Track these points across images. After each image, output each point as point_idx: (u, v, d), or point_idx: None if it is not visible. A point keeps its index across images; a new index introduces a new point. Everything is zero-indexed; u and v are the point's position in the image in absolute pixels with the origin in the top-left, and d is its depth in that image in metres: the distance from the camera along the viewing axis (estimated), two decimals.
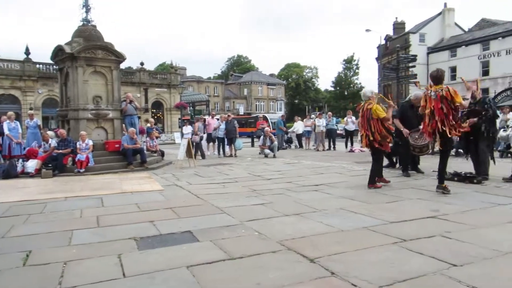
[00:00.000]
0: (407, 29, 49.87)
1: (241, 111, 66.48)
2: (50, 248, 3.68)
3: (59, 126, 12.21)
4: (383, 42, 50.30)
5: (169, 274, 2.93)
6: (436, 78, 6.01)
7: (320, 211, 4.93)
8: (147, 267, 3.09)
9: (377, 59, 52.51)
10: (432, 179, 7.48)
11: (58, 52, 11.91)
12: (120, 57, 12.04)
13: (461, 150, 10.83)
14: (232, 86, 75.37)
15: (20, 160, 10.48)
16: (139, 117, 15.81)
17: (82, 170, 10.00)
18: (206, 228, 4.25)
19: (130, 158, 10.89)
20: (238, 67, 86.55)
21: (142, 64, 41.14)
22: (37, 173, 9.76)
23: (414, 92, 8.99)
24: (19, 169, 10.05)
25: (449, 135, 5.80)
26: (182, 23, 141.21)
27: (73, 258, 3.37)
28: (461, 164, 8.46)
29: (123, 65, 12.84)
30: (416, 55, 22.22)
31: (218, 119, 16.68)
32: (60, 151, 10.28)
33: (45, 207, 5.73)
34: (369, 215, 4.62)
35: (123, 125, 12.59)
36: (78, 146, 10.44)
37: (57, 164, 10.00)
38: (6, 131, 11.09)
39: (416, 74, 21.73)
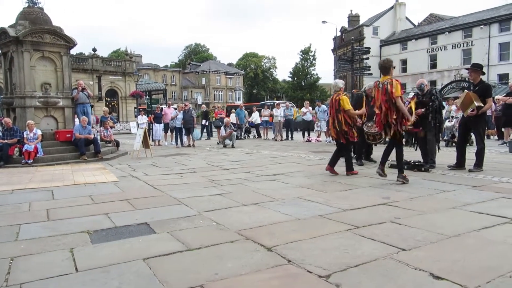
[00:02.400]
0: (361, 22, 51.32)
1: (199, 101, 65.65)
2: None
3: (3, 115, 11.48)
4: (338, 34, 51.41)
5: (124, 267, 2.86)
6: (382, 68, 6.04)
7: (278, 200, 5.01)
8: (101, 261, 3.00)
9: (333, 50, 53.66)
10: None
11: (1, 36, 11.13)
12: (70, 42, 11.47)
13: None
14: (190, 75, 74.17)
15: None
16: (92, 106, 15.22)
17: (30, 161, 9.50)
18: (164, 219, 4.19)
19: (82, 149, 10.47)
20: (196, 56, 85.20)
21: (94, 50, 39.44)
22: None
23: (368, 83, 9.30)
24: None
25: (396, 127, 5.83)
26: (137, 9, 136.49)
27: (21, 253, 3.21)
28: (410, 153, 8.89)
29: (74, 51, 12.29)
30: (369, 48, 22.90)
31: (175, 109, 16.40)
32: (6, 141, 9.70)
33: None
34: (324, 203, 4.75)
35: (75, 114, 12.06)
36: (25, 136, 9.90)
37: (2, 155, 9.43)
38: None
39: (369, 66, 22.42)
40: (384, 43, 47.73)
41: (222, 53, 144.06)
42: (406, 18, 50.16)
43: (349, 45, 26.57)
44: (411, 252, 3.01)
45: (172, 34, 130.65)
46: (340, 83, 7.21)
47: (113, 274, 2.75)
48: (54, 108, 11.19)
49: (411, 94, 10.30)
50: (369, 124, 8.48)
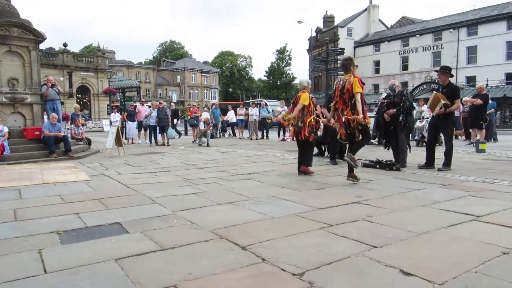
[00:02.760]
0: (336, 23, 52.07)
1: (174, 99, 64.95)
2: None
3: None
4: (314, 34, 51.98)
5: (95, 268, 2.80)
6: (342, 66, 6.11)
7: (253, 199, 5.02)
8: (71, 262, 2.92)
9: (308, 50, 54.22)
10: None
11: None
12: (39, 37, 11.11)
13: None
14: (165, 73, 73.26)
15: None
16: (62, 103, 14.78)
17: None
18: (137, 219, 4.12)
19: (52, 147, 10.16)
20: (171, 53, 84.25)
21: (65, 45, 38.31)
22: None
23: None
24: None
25: (351, 125, 5.88)
26: (110, 4, 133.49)
27: None
28: (382, 153, 9.10)
29: (43, 46, 11.92)
30: (343, 48, 23.33)
31: (149, 107, 16.16)
32: None
33: None
34: (299, 202, 4.80)
35: (44, 110, 11.69)
36: None
37: None
38: None
39: None
40: (358, 44, 48.63)
41: (197, 51, 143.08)
42: (380, 20, 51.27)
43: (324, 45, 26.92)
44: (382, 249, 3.08)
45: (147, 31, 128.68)
46: (305, 81, 7.27)
47: (83, 275, 2.69)
48: (22, 104, 10.81)
49: (384, 95, 10.56)
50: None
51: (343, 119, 5.97)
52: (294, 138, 7.35)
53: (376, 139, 12.88)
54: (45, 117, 11.64)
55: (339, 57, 22.73)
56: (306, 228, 3.70)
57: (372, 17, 49.82)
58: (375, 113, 13.93)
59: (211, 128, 15.45)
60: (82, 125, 13.84)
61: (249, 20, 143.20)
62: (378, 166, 7.56)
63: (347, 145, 8.11)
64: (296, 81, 66.30)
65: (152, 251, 3.15)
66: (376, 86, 45.62)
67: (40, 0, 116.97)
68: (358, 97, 5.73)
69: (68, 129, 13.06)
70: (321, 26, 53.49)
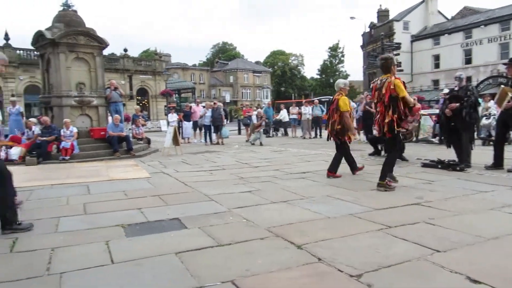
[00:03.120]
0: (391, 17, 50.07)
1: (227, 99, 66.14)
2: (37, 235, 3.66)
3: (42, 114, 11.97)
4: (367, 30, 50.45)
5: (157, 261, 2.94)
6: (382, 66, 5.48)
7: (307, 198, 4.99)
8: (135, 254, 3.09)
9: (362, 47, 52.73)
10: (416, 166, 7.63)
11: (38, 38, 11.59)
12: (102, 43, 11.81)
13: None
14: (218, 74, 74.78)
15: (4, 147, 10.27)
16: (124, 104, 15.61)
17: (67, 158, 9.88)
18: (194, 215, 4.26)
19: (115, 146, 10.78)
20: (224, 54, 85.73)
21: (125, 50, 40.40)
22: (21, 161, 9.62)
23: None
24: (2, 156, 9.85)
25: (390, 130, 5.31)
26: (165, 10, 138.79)
27: (61, 245, 3.35)
28: (444, 152, 8.63)
29: (106, 52, 12.63)
30: (400, 43, 22.46)
31: (204, 107, 16.60)
32: (44, 138, 10.12)
33: (31, 194, 5.67)
34: (354, 202, 4.69)
35: (108, 112, 12.43)
36: (62, 133, 10.29)
37: (41, 152, 9.85)
38: None
39: (400, 62, 22.01)
40: (415, 38, 46.39)
41: (249, 51, 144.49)
42: (439, 11, 48.52)
43: (379, 41, 26.09)
44: (447, 254, 2.93)
45: (200, 33, 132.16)
46: (341, 83, 6.95)
47: (146, 266, 2.83)
48: (89, 106, 11.57)
49: (445, 90, 10.02)
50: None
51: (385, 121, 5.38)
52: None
53: (437, 137, 12.28)
54: (109, 118, 12.37)
55: (394, 52, 21.91)
56: (363, 229, 3.61)
57: (431, 9, 47.27)
58: (435, 110, 13.28)
59: (264, 122, 15.45)
60: (142, 125, 14.53)
61: (300, 19, 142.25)
62: (439, 166, 7.18)
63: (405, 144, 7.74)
64: (349, 79, 64.82)
65: (210, 246, 3.25)
66: (435, 82, 43.30)
67: (101, 9, 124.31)
68: (408, 99, 5.28)
69: (129, 129, 13.78)
70: (375, 21, 51.74)
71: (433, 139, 12.80)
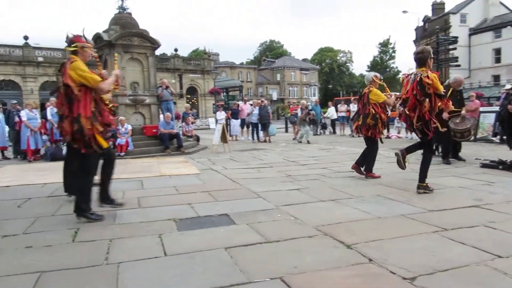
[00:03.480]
0: (446, 10, 47.49)
1: (274, 97, 66.20)
2: (96, 226, 3.88)
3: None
4: (421, 24, 48.29)
5: (208, 255, 3.01)
6: (418, 59, 5.05)
7: (356, 198, 4.89)
8: (187, 247, 3.19)
9: (414, 41, 50.54)
10: (474, 167, 7.23)
11: (96, 40, 12.23)
12: (155, 44, 12.26)
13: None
14: (265, 72, 75.01)
15: (65, 144, 10.99)
16: (174, 103, 16.12)
17: (122, 154, 10.38)
18: (243, 211, 4.32)
19: (167, 143, 11.17)
20: (271, 52, 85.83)
21: (176, 50, 41.65)
22: None
23: (453, 75, 8.62)
24: (64, 152, 10.55)
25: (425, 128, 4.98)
26: (214, 9, 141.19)
27: (118, 236, 3.53)
28: (506, 152, 8.09)
29: (157, 52, 13.08)
30: (457, 37, 21.20)
31: (251, 105, 16.73)
32: None
33: None
34: (407, 203, 4.53)
35: (160, 110, 12.89)
36: (118, 130, 10.81)
37: None
38: (49, 117, 11.60)
39: (457, 57, 20.81)
40: (474, 31, 43.70)
41: (296, 49, 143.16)
42: (500, 2, 45.32)
43: (434, 35, 24.91)
44: (509, 260, 2.75)
45: (248, 32, 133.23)
46: (371, 75, 6.65)
47: (197, 260, 2.92)
48: (142, 105, 12.07)
49: (508, 86, 9.39)
50: (457, 121, 7.90)
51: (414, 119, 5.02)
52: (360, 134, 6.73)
53: (498, 136, 11.54)
54: (161, 116, 12.83)
55: (451, 46, 20.81)
56: (416, 231, 3.48)
57: (491, 0, 44.35)
58: (495, 108, 12.48)
59: (309, 114, 15.25)
60: (192, 123, 14.92)
61: (349, 15, 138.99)
62: (501, 167, 6.74)
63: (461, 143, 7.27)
64: (400, 76, 62.55)
65: (258, 242, 3.28)
66: (496, 78, 40.56)
67: (153, 11, 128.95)
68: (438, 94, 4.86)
69: (180, 127, 14.21)
70: (430, 14, 49.40)
71: (494, 138, 12.04)
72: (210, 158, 9.91)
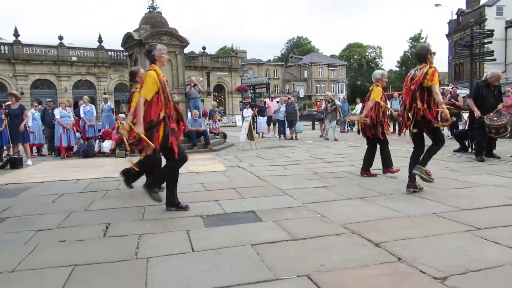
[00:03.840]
0: (482, 2, 45.66)
1: (301, 94, 65.77)
2: (126, 222, 3.98)
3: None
4: (454, 17, 46.69)
5: (235, 251, 3.04)
6: (419, 55, 4.95)
7: (385, 195, 4.80)
8: (214, 243, 3.23)
9: (447, 35, 48.96)
10: (509, 164, 6.96)
11: (127, 39, 12.55)
12: (183, 42, 12.42)
13: None
14: (292, 68, 74.63)
15: (97, 141, 11.36)
16: (202, 100, 16.29)
17: None
18: (269, 208, 4.32)
19: (194, 140, 11.32)
20: (298, 49, 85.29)
21: (204, 48, 42.09)
22: (112, 153, 10.55)
23: (491, 70, 8.29)
24: (96, 149, 10.93)
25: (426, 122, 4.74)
26: (240, 6, 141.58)
27: (147, 231, 3.61)
28: None
29: (186, 50, 13.25)
30: (492, 30, 20.37)
31: (278, 102, 16.68)
32: None
33: (120, 184, 6.16)
34: (438, 201, 4.41)
35: (187, 107, 13.06)
36: None
37: None
38: (82, 114, 11.99)
39: (492, 51, 20.03)
40: (511, 24, 41.86)
41: (324, 45, 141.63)
42: None
43: (468, 28, 24.05)
44: None
45: (275, 28, 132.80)
46: (378, 74, 6.35)
47: (225, 256, 2.94)
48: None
49: None
50: (493, 117, 7.61)
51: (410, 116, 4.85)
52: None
53: None
54: (188, 113, 13.00)
55: (486, 40, 20.02)
56: (448, 230, 3.38)
57: None
58: None
59: (337, 105, 15.04)
60: (219, 120, 15.05)
61: (379, 9, 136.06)
62: None
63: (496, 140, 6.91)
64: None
65: (284, 240, 3.27)
66: None
67: (182, 9, 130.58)
68: (436, 88, 4.66)
69: (207, 124, 14.36)
70: (464, 7, 47.68)
71: None
72: (237, 155, 9.96)
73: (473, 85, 18.20)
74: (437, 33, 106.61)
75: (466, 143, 9.19)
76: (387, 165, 6.23)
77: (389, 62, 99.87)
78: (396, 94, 18.15)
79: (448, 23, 48.41)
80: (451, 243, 3.06)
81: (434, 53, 4.93)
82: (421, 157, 4.99)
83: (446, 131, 14.05)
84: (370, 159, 6.34)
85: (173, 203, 4.38)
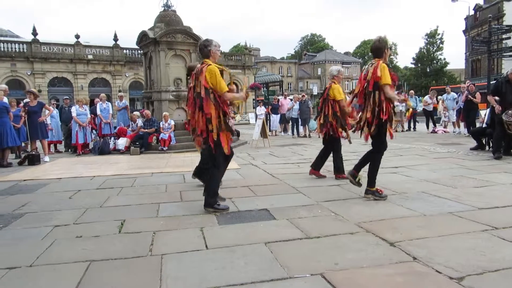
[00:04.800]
0: None
1: (315, 91, 65.43)
2: (141, 218, 4.03)
3: (144, 107, 13.08)
4: (471, 12, 45.78)
5: (248, 249, 3.04)
6: (375, 49, 4.50)
7: (400, 194, 4.75)
8: (228, 241, 3.24)
9: (464, 31, 48.05)
10: None
11: (142, 38, 12.67)
12: (197, 40, 12.43)
13: None
14: (306, 66, 74.31)
15: (112, 138, 11.50)
16: None
17: (165, 148, 10.70)
18: (283, 206, 4.32)
19: None
20: (312, 46, 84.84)
21: None
22: (127, 150, 10.69)
23: (511, 66, 8.11)
24: (111, 146, 11.07)
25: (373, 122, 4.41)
26: (254, 4, 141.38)
27: (161, 228, 3.65)
28: None
29: None
30: (511, 26, 19.93)
31: (291, 100, 16.62)
32: (146, 130, 11.07)
33: (134, 181, 6.25)
34: (454, 200, 4.34)
35: None
36: (161, 125, 11.14)
37: (143, 143, 10.80)
38: (98, 112, 12.15)
39: (511, 47, 19.57)
40: None
41: (338, 42, 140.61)
42: None
43: (485, 24, 23.55)
44: None
45: (289, 26, 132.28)
46: (335, 70, 6.08)
47: (238, 254, 2.95)
48: (184, 100, 12.32)
49: None
50: (510, 113, 7.45)
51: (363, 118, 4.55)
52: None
53: None
54: None
55: (504, 35, 19.58)
56: (465, 229, 3.33)
57: None
58: None
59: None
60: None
61: (394, 5, 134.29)
62: None
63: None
64: (449, 67, 59.68)
65: (298, 238, 3.26)
66: None
67: (196, 7, 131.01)
68: (387, 89, 4.28)
69: None
70: (481, 2, 46.68)
71: None
72: (250, 153, 9.97)
73: (491, 81, 17.82)
74: (453, 29, 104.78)
75: (484, 141, 9.02)
76: (339, 170, 5.99)
77: (404, 59, 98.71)
78: (412, 91, 17.90)
79: (465, 18, 47.48)
80: (468, 242, 3.01)
81: (391, 48, 4.58)
82: (359, 161, 4.78)
83: (463, 129, 13.83)
84: (323, 159, 6.17)
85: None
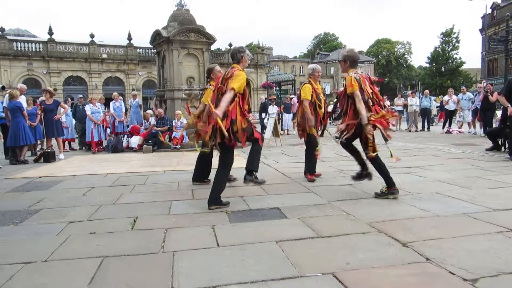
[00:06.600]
0: None
1: (328, 90, 65.04)
2: (153, 216, 4.06)
3: (157, 106, 13.19)
4: (488, 11, 44.95)
5: (259, 247, 3.04)
6: (232, 55, 4.66)
7: (413, 194, 4.70)
8: (239, 239, 3.25)
9: (481, 30, 47.23)
10: None
11: (156, 37, 12.76)
12: (210, 39, 12.51)
13: None
14: (319, 65, 73.92)
15: (125, 136, 11.63)
16: None
17: (178, 147, 10.79)
18: (294, 205, 4.31)
19: None
20: (325, 45, 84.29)
21: (230, 45, 42.09)
22: (139, 148, 10.80)
23: None
24: (124, 144, 11.19)
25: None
26: (268, 2, 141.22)
27: (173, 226, 3.68)
28: None
29: (212, 47, 13.34)
30: None
31: None
32: (159, 128, 11.17)
33: (147, 179, 6.31)
34: (469, 201, 4.27)
35: None
36: (174, 124, 11.22)
37: (155, 141, 10.90)
38: (111, 110, 12.30)
39: None
40: None
41: (352, 41, 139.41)
42: None
43: (503, 23, 23.12)
44: None
45: (302, 25, 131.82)
46: (309, 68, 5.92)
47: (249, 252, 2.96)
48: (197, 99, 12.37)
49: None
50: None
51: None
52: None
53: None
54: None
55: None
56: (479, 231, 3.27)
57: None
58: None
59: None
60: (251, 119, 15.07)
61: (409, 3, 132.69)
62: None
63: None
64: (464, 66, 58.69)
65: (309, 237, 3.26)
66: None
67: (209, 6, 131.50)
68: (356, 98, 4.75)
69: None
70: (499, 0, 45.80)
71: None
72: (262, 152, 9.94)
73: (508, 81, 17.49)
74: (469, 28, 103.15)
75: (500, 142, 8.87)
76: (310, 170, 5.88)
77: (419, 58, 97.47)
78: (427, 91, 17.66)
79: (482, 17, 46.66)
80: (482, 244, 2.96)
81: (249, 55, 4.60)
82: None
83: (478, 129, 13.61)
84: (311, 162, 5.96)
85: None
